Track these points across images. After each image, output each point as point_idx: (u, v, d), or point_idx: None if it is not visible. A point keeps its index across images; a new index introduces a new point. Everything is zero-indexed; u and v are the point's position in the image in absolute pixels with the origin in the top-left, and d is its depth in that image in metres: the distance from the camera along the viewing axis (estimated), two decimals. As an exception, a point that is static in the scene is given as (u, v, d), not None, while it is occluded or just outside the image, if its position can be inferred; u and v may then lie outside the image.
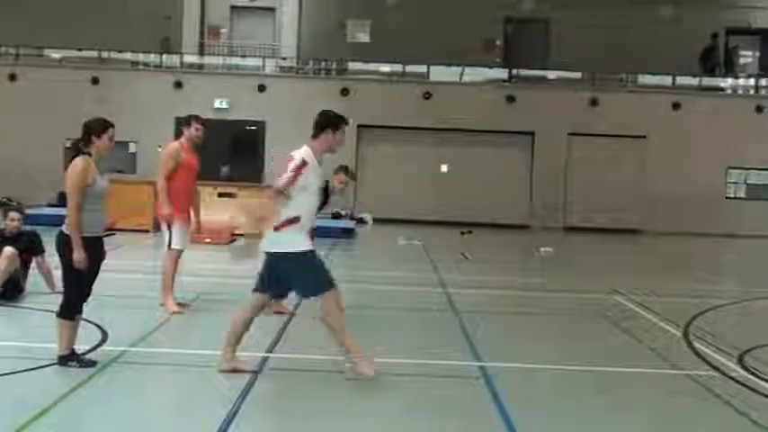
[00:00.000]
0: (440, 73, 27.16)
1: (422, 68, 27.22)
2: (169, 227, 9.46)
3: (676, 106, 26.26)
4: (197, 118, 9.86)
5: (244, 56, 27.71)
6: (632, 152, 26.16)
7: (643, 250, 22.08)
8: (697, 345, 8.70)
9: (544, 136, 26.03)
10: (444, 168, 26.47)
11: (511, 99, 26.20)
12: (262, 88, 26.01)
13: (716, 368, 7.72)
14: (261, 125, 25.85)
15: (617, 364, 7.92)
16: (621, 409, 6.47)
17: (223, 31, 28.69)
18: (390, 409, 6.18)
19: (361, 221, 24.14)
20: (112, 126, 6.99)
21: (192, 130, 9.72)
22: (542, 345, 8.71)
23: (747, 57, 30.67)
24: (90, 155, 6.83)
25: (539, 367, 7.62)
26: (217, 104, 25.39)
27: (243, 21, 28.91)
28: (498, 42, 28.88)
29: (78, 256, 6.60)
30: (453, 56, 26.61)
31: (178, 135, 10.28)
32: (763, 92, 28.43)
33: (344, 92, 25.99)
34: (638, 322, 10.13)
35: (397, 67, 27.49)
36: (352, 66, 27.77)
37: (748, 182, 26.32)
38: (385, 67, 27.72)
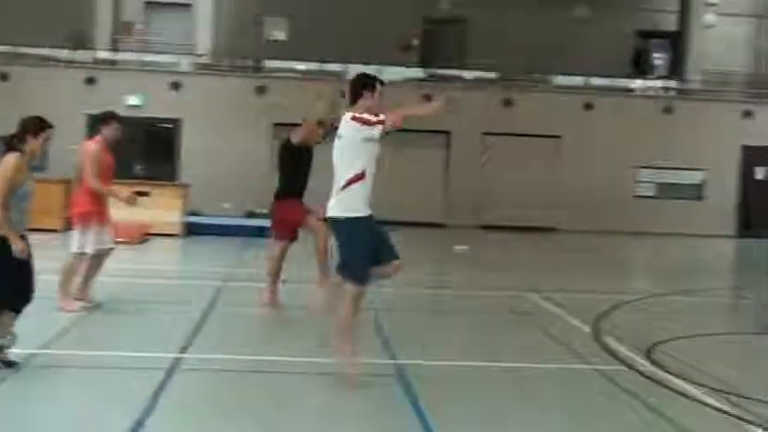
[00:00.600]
0: (357, 71, 27.10)
1: (339, 67, 27.20)
2: (83, 228, 9.30)
3: (589, 107, 26.76)
4: (115, 116, 9.69)
5: (158, 52, 27.31)
6: (546, 151, 26.56)
7: (556, 248, 22.44)
8: (606, 340, 8.89)
9: (460, 135, 26.25)
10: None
11: (427, 98, 26.32)
12: (177, 85, 25.66)
13: (624, 363, 7.90)
14: (176, 123, 25.52)
15: (530, 360, 8.04)
16: (534, 405, 6.58)
17: (137, 26, 28.23)
18: (306, 408, 6.18)
19: (277, 220, 23.99)
20: (51, 127, 6.85)
21: (112, 129, 9.56)
22: (457, 342, 8.80)
23: (657, 59, 31.44)
24: (23, 153, 6.68)
25: (453, 365, 7.70)
26: (130, 101, 24.97)
27: (157, 16, 28.48)
28: (415, 42, 29.00)
29: (17, 246, 6.46)
30: (371, 54, 26.65)
31: (92, 133, 10.04)
32: (671, 93, 29.19)
33: (261, 90, 25.83)
34: (551, 319, 10.30)
35: (315, 66, 27.41)
36: (269, 64, 27.60)
37: (657, 181, 26.97)
38: (302, 66, 27.62)
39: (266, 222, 21.08)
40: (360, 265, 6.62)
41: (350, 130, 6.77)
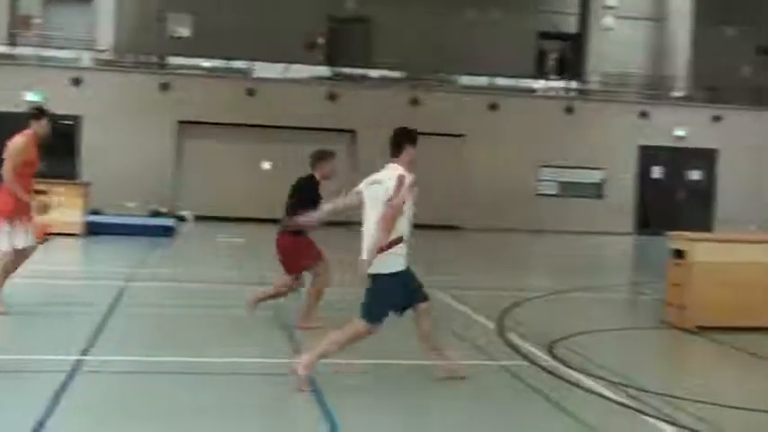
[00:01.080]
0: (263, 69, 27.03)
1: (245, 65, 27.03)
2: (10, 225, 9.07)
3: (493, 106, 27.16)
4: (45, 112, 9.45)
5: (59, 47, 26.67)
6: (452, 150, 26.84)
7: (460, 246, 22.72)
8: (510, 336, 9.06)
9: (365, 134, 26.33)
10: (268, 165, 26.36)
11: (333, 97, 26.38)
12: (77, 81, 25.12)
13: (527, 358, 8.06)
14: (77, 120, 24.96)
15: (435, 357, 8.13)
16: (438, 400, 6.66)
17: (36, 20, 27.51)
18: (208, 406, 6.14)
19: (181, 219, 23.72)
20: None
21: (43, 125, 9.31)
22: (364, 340, 8.81)
23: (559, 60, 32.08)
24: None
25: (359, 362, 7.73)
26: (29, 98, 24.30)
27: (57, 11, 27.82)
28: (321, 40, 29.00)
29: None
30: (277, 52, 26.55)
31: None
32: (572, 94, 29.84)
33: (164, 86, 25.47)
34: (455, 316, 10.44)
35: (220, 63, 27.17)
36: (173, 60, 27.24)
37: (559, 179, 27.53)
38: (207, 63, 27.34)
39: (170, 222, 21.05)
40: (385, 312, 6.91)
41: (392, 182, 6.97)
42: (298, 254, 9.54)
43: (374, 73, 28.45)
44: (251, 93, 25.89)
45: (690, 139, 28.01)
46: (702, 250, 10.04)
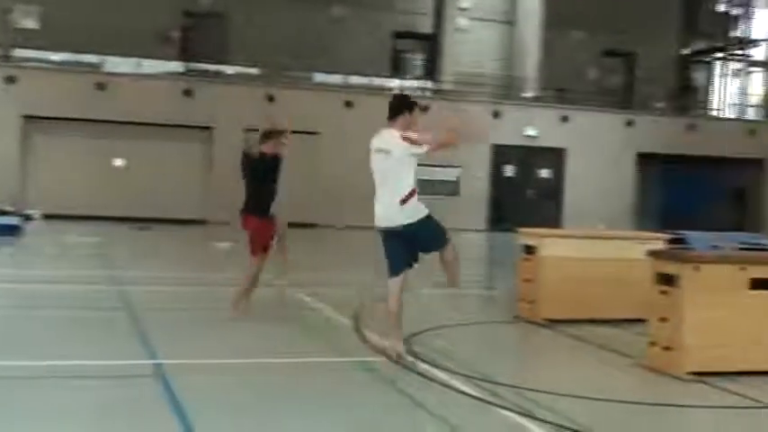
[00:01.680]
0: (115, 64, 26.33)
1: (96, 59, 26.26)
2: None
3: (348, 104, 27.27)
4: None
5: None
6: (307, 148, 26.76)
7: (318, 243, 22.71)
8: (366, 333, 9.11)
9: (222, 131, 26.02)
10: (120, 162, 25.71)
11: (188, 93, 25.94)
12: None
13: (383, 354, 8.12)
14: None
15: (291, 355, 8.11)
16: (296, 399, 6.64)
17: None
18: (52, 412, 5.94)
19: (28, 218, 22.83)
20: None
21: None
22: (218, 340, 8.71)
23: (414, 60, 32.56)
24: None
25: (215, 362, 7.64)
26: None
27: None
28: (175, 35, 28.48)
29: None
30: (129, 47, 25.91)
31: None
32: (427, 93, 30.29)
33: (10, 80, 24.48)
34: (312, 313, 10.44)
35: (69, 56, 26.29)
36: (19, 53, 26.19)
37: (418, 178, 27.83)
38: (56, 56, 26.42)
39: (16, 220, 20.22)
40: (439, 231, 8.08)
41: (399, 147, 7.68)
42: (263, 233, 9.92)
43: (230, 69, 28.16)
44: (101, 87, 25.17)
45: (540, 139, 28.89)
46: (551, 246, 10.35)
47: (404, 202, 7.70)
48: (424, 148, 7.69)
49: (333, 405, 6.49)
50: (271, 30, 28.04)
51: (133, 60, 26.46)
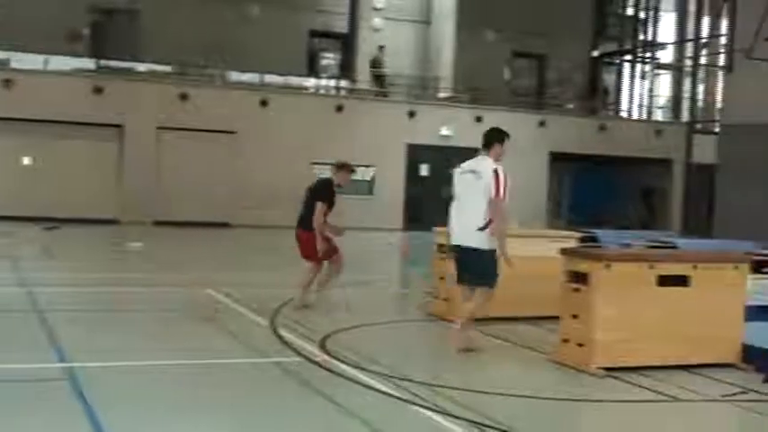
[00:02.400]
0: (22, 60, 25.66)
1: (2, 55, 25.55)
2: None
3: (264, 103, 27.09)
4: None
5: None
6: (223, 147, 26.57)
7: (233, 243, 22.54)
8: (283, 333, 9.07)
9: (134, 129, 25.58)
10: (29, 161, 25.07)
11: (99, 90, 25.42)
12: None
13: (301, 354, 8.10)
14: None
15: (209, 356, 8.02)
16: (213, 400, 6.57)
17: None
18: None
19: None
20: None
21: None
22: (134, 342, 8.57)
23: (329, 59, 32.53)
24: None
25: (130, 365, 7.51)
26: None
27: None
28: (85, 31, 27.90)
29: None
30: (37, 43, 25.28)
31: None
32: (342, 92, 30.32)
33: None
34: (229, 314, 10.34)
35: (-26, 53, 25.55)
36: None
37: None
38: (-43, 53, 25.64)
39: None
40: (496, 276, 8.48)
41: (490, 177, 8.40)
42: (309, 245, 11.00)
43: (142, 67, 27.70)
44: (8, 85, 24.50)
45: (455, 138, 29.10)
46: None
47: (481, 229, 8.34)
48: (497, 199, 8.37)
49: (247, 406, 6.44)
50: (184, 27, 27.68)
51: (41, 57, 25.82)
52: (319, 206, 10.97)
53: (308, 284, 11.00)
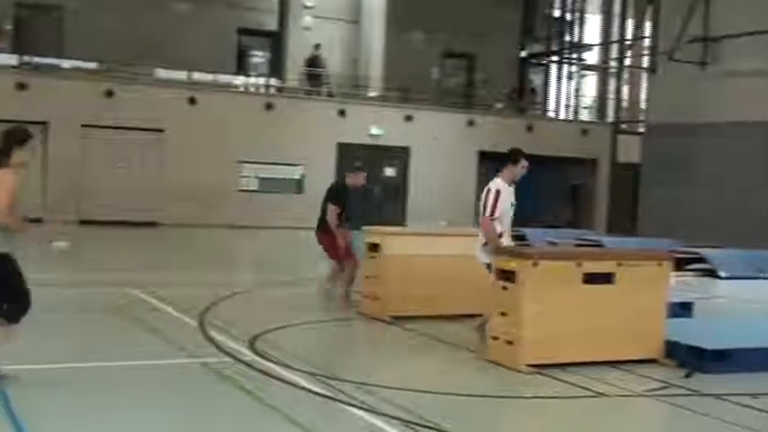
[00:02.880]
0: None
1: None
2: None
3: (192, 101, 26.82)
4: None
5: None
6: (150, 145, 26.22)
7: (160, 243, 22.29)
8: (212, 333, 9.00)
9: (58, 126, 25.09)
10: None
11: (22, 87, 24.89)
12: None
13: (230, 354, 8.05)
14: None
15: (137, 357, 7.92)
16: (142, 402, 6.48)
17: None
18: None
19: None
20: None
21: None
22: (58, 344, 8.42)
23: (258, 57, 32.33)
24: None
25: (54, 367, 7.38)
26: None
27: None
28: (8, 27, 27.30)
29: None
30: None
31: None
32: (272, 90, 30.17)
33: None
34: (156, 315, 10.22)
35: None
36: None
37: (259, 175, 27.71)
38: None
39: None
40: None
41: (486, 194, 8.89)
42: (328, 246, 11.66)
43: (66, 63, 27.19)
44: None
45: (385, 138, 29.19)
46: (395, 244, 10.50)
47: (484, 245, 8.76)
48: (485, 219, 8.74)
49: (175, 407, 6.38)
50: (111, 24, 27.23)
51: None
52: (332, 208, 11.48)
53: (335, 280, 11.80)
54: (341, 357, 8.60)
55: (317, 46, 29.82)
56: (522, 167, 9.05)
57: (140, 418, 6.07)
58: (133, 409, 6.27)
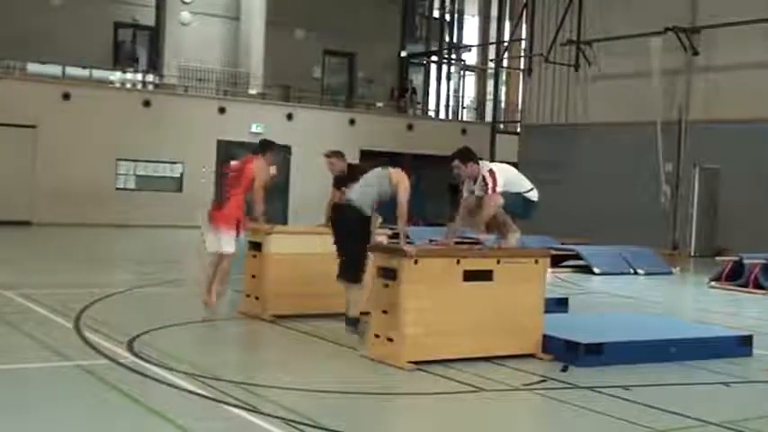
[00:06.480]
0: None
1: None
2: None
3: (66, 97, 26.10)
4: None
5: None
6: (21, 142, 25.41)
7: (33, 242, 21.63)
8: (88, 335, 8.78)
9: None
10: None
11: None
12: None
13: (107, 357, 7.86)
14: None
15: (8, 361, 7.67)
16: (12, 407, 6.27)
17: None
18: None
19: None
20: None
21: None
22: None
23: (136, 52, 31.68)
24: None
25: None
26: None
27: None
28: None
29: None
30: None
31: None
32: (150, 87, 29.61)
33: None
34: (29, 316, 9.91)
35: None
36: None
37: (137, 173, 27.19)
38: None
39: None
40: None
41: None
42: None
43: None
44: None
45: (266, 135, 29.01)
46: (276, 242, 10.46)
47: None
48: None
49: (49, 411, 6.19)
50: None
51: None
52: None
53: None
54: (221, 357, 8.50)
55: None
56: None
57: (11, 425, 5.87)
58: (2, 415, 6.06)
